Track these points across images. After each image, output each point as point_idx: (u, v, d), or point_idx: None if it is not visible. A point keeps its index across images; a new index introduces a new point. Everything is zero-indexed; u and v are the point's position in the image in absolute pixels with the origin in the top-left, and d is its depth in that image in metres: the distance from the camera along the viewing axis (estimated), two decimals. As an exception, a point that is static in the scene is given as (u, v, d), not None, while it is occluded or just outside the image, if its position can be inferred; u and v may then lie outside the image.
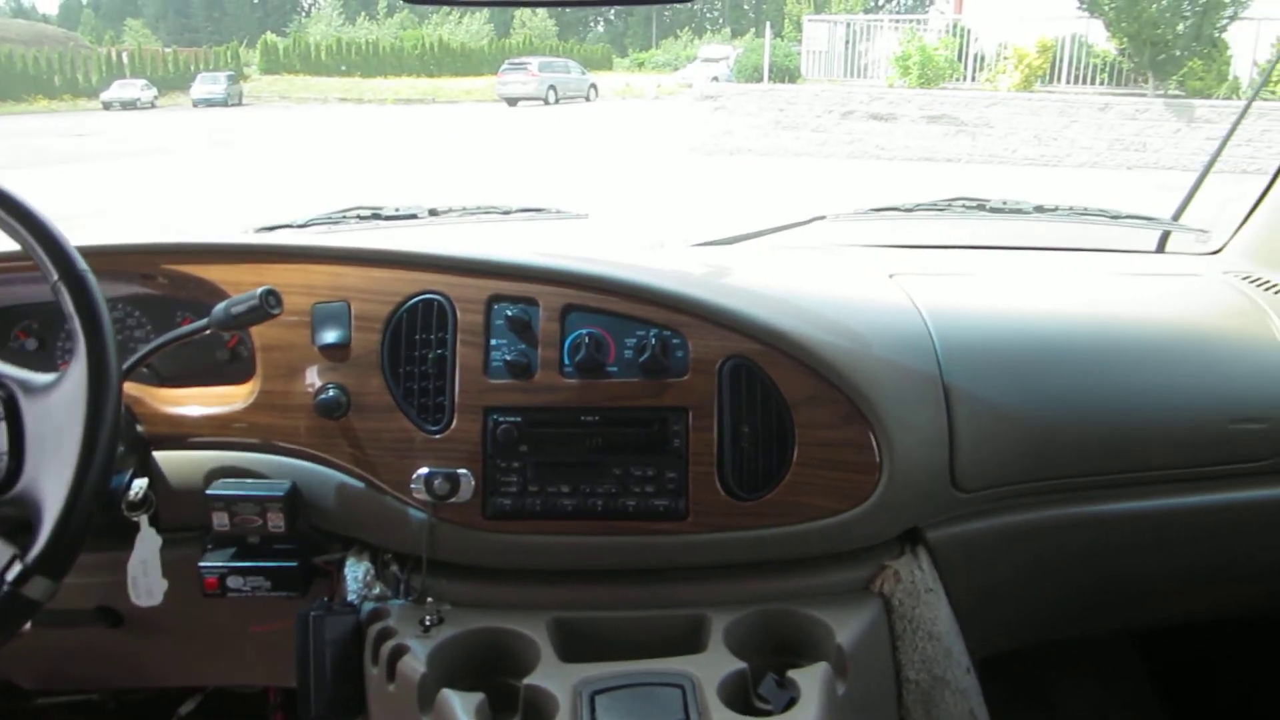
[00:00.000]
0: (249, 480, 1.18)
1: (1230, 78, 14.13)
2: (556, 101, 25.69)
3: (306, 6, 57.28)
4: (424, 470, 1.13)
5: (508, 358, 1.15)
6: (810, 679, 1.04)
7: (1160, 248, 1.79)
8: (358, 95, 30.17)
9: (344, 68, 34.78)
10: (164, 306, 1.32)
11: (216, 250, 1.25)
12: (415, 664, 1.06)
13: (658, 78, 33.37)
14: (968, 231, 1.88)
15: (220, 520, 1.16)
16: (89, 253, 0.98)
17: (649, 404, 1.15)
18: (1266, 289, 1.49)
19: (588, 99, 27.27)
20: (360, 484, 1.17)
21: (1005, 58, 15.27)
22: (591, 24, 59.63)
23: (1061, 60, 15.39)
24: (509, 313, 1.17)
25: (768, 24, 20.16)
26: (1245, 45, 13.82)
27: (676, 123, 15.95)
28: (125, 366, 1.06)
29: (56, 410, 0.95)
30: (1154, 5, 13.95)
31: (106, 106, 27.71)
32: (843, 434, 1.14)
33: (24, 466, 0.96)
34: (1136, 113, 12.76)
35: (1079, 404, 1.28)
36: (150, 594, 1.18)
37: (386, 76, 34.01)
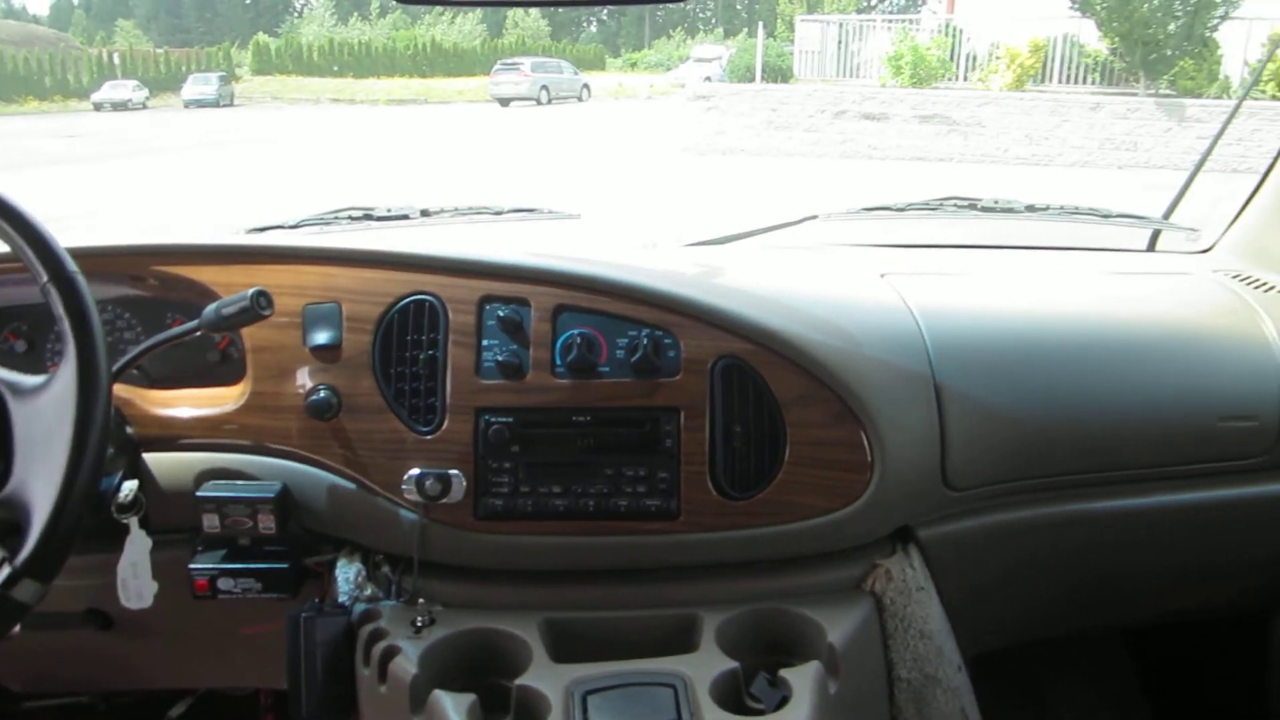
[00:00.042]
0: (240, 482, 1.18)
1: (1221, 77, 14.17)
2: (549, 102, 25.69)
3: (299, 7, 57.19)
4: (415, 471, 1.13)
5: (499, 358, 1.15)
6: (802, 678, 1.05)
7: (1151, 247, 1.80)
8: (350, 96, 30.14)
9: (336, 68, 34.74)
10: (154, 308, 1.32)
11: (207, 251, 1.25)
12: (407, 665, 1.06)
13: (650, 78, 33.38)
14: (959, 231, 1.88)
15: (211, 522, 1.16)
16: (79, 254, 0.98)
17: (641, 404, 1.15)
18: (1256, 287, 1.50)
19: (580, 99, 27.28)
20: (351, 485, 1.17)
21: (997, 57, 15.29)
22: (584, 24, 59.63)
23: (1053, 60, 15.42)
24: (501, 313, 1.17)
25: (760, 24, 20.11)
26: (1236, 45, 13.86)
27: (669, 123, 15.94)
28: (115, 368, 1.06)
29: (46, 412, 0.95)
30: (1145, 5, 13.99)
31: (97, 107, 27.62)
32: (834, 433, 1.15)
33: (13, 469, 0.95)
34: (1128, 112, 12.80)
35: (1070, 402, 1.29)
36: (140, 596, 1.17)
37: (379, 77, 33.98)
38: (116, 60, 32.90)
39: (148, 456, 1.20)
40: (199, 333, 1.11)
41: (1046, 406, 1.27)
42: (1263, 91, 12.49)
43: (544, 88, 25.90)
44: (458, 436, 1.14)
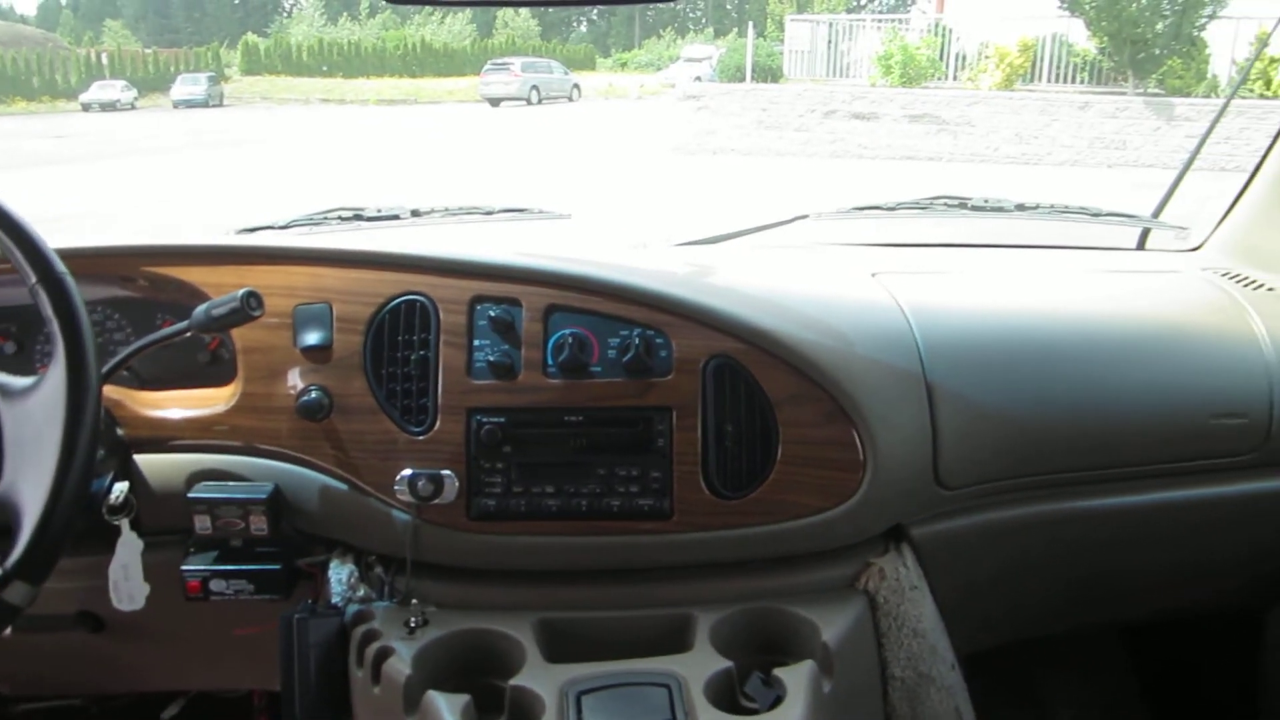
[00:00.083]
0: (231, 483, 1.18)
1: (1209, 76, 14.25)
2: (539, 102, 25.70)
3: (288, 7, 57.06)
4: (407, 472, 1.12)
5: (491, 358, 1.15)
6: (796, 677, 1.05)
7: (1140, 245, 1.80)
8: (340, 96, 30.10)
9: (326, 68, 34.68)
10: (144, 309, 1.31)
11: (197, 252, 1.24)
12: (400, 666, 1.06)
13: (641, 78, 33.43)
14: (950, 230, 1.89)
15: (202, 523, 1.15)
16: (68, 255, 0.98)
17: (633, 404, 1.15)
18: (1245, 285, 1.50)
19: (570, 99, 27.29)
20: (343, 486, 1.16)
21: (987, 57, 15.35)
22: (574, 24, 59.64)
23: (1042, 59, 15.48)
24: (492, 313, 1.16)
25: (750, 24, 20.18)
26: (1224, 44, 13.93)
27: (659, 122, 15.98)
28: (105, 369, 1.06)
29: (35, 414, 0.94)
30: (1134, 4, 14.06)
31: (86, 108, 27.54)
32: (826, 432, 1.14)
33: (2, 471, 0.95)
34: (1116, 111, 12.86)
35: (1061, 400, 1.29)
36: (132, 598, 1.17)
37: (369, 77, 33.95)
38: (105, 60, 32.81)
39: (139, 458, 1.19)
40: (189, 334, 1.10)
41: (1038, 404, 1.28)
42: (1250, 90, 12.55)
43: (534, 88, 25.91)
44: (450, 437, 1.14)
